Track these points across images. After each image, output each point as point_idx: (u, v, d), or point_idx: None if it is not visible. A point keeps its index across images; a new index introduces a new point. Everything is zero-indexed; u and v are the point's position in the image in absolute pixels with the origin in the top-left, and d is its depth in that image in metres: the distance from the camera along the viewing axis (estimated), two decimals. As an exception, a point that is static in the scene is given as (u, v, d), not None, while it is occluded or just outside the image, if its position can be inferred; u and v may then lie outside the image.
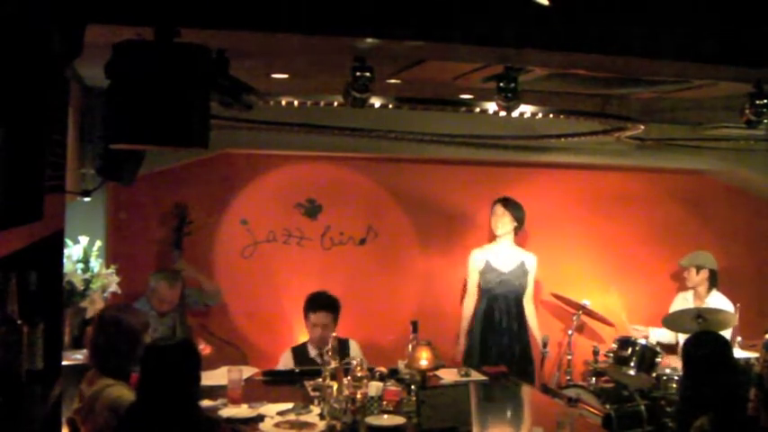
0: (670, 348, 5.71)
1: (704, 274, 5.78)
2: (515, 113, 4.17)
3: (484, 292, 5.64)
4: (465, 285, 5.83)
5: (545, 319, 6.19)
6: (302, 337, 5.69)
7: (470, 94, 4.41)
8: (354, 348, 4.86)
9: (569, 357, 5.75)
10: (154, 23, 2.59)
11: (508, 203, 5.65)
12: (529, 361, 5.60)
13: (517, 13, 2.85)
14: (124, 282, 4.53)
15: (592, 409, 4.57)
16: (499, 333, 5.53)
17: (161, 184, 5.50)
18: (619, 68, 3.53)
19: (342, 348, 4.01)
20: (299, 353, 4.96)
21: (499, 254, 5.65)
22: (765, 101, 3.51)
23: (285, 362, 4.96)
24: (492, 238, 5.79)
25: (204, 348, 4.79)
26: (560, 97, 4.59)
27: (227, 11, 2.66)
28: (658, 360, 5.15)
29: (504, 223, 5.62)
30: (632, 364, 5.10)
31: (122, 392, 3.27)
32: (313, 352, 4.89)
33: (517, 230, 5.67)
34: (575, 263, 6.28)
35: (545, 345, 5.62)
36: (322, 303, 4.87)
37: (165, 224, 5.55)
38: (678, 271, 6.05)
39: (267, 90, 4.18)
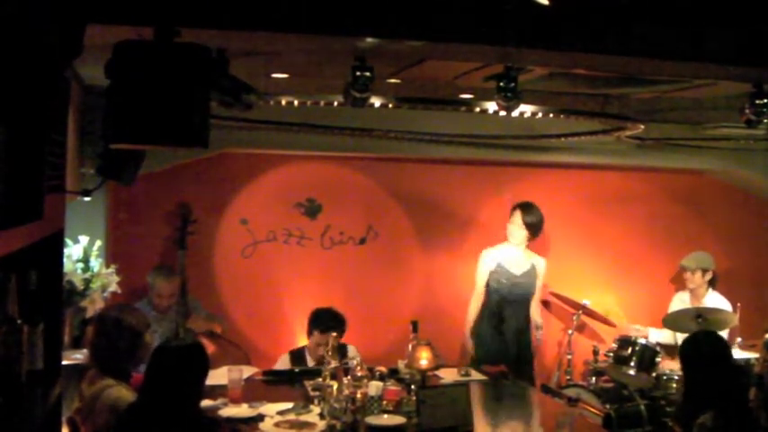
0: (669, 349, 5.71)
1: (707, 275, 5.79)
2: (515, 113, 4.16)
3: (492, 292, 5.55)
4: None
5: (545, 320, 6.19)
6: (302, 337, 5.70)
7: (470, 93, 4.41)
8: (353, 352, 4.81)
9: (569, 357, 5.75)
10: (154, 23, 2.59)
11: (526, 213, 5.51)
12: (528, 363, 5.57)
13: (517, 12, 2.85)
14: (124, 282, 4.53)
15: (592, 409, 4.56)
16: (506, 334, 5.50)
17: (161, 184, 5.49)
18: (619, 68, 3.53)
19: (340, 353, 4.00)
20: (297, 357, 4.94)
21: (512, 256, 5.57)
22: (765, 101, 3.52)
23: (282, 364, 4.96)
24: (493, 238, 5.76)
25: (208, 347, 4.78)
26: (560, 97, 4.59)
27: (227, 11, 2.66)
28: (658, 360, 5.15)
29: (517, 237, 5.53)
30: (632, 363, 5.11)
31: (123, 393, 3.27)
32: (311, 361, 4.88)
33: (531, 239, 5.58)
34: (574, 263, 6.28)
35: (537, 328, 5.60)
36: (329, 325, 4.66)
37: (168, 223, 5.55)
38: (678, 271, 6.05)
39: (267, 90, 4.18)
